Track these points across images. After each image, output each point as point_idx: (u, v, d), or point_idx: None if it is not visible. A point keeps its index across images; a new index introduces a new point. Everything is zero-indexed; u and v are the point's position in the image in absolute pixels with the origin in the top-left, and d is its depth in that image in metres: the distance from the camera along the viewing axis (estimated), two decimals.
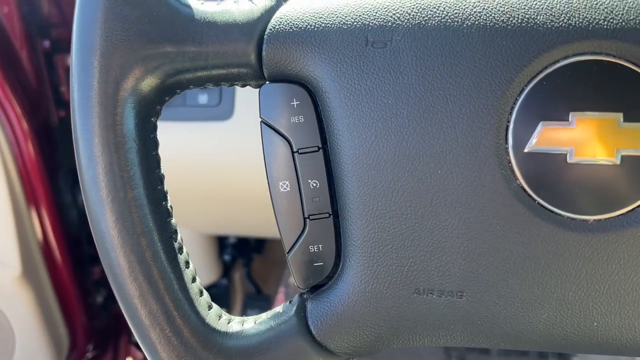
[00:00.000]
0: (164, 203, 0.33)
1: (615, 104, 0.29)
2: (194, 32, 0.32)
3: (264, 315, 0.35)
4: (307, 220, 0.34)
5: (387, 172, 0.31)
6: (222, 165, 0.69)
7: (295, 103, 0.33)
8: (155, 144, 0.33)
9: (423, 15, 0.31)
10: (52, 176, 0.91)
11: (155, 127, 0.33)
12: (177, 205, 0.82)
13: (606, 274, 0.30)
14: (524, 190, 0.30)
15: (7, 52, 0.85)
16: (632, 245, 0.30)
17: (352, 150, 0.32)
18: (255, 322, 0.34)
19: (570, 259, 0.30)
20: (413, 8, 0.31)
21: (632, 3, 0.29)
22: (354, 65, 0.31)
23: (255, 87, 0.35)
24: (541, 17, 0.30)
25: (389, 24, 0.31)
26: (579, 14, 0.30)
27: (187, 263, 0.33)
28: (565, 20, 0.30)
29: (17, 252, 0.86)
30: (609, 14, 0.29)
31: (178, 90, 0.34)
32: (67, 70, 0.93)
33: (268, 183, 0.34)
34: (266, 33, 0.32)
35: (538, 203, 0.30)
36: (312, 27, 0.32)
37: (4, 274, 0.87)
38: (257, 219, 0.76)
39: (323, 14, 0.32)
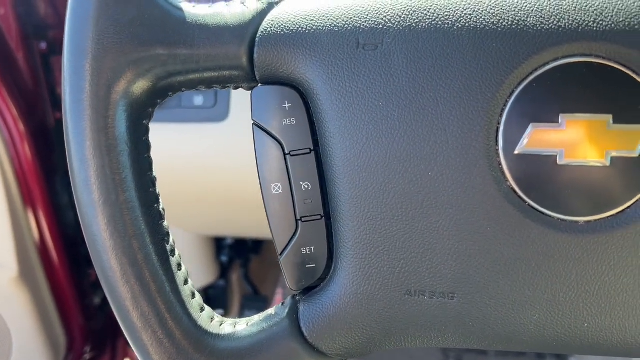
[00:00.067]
0: (156, 205, 0.33)
1: (605, 106, 0.29)
2: (185, 34, 0.32)
3: (256, 317, 0.35)
4: (299, 222, 0.34)
5: (378, 174, 0.31)
6: (217, 166, 0.69)
7: (287, 105, 0.33)
8: (147, 146, 0.33)
9: (414, 17, 0.31)
10: (49, 178, 0.91)
11: (147, 130, 0.33)
12: (173, 207, 0.82)
13: (596, 275, 0.30)
14: (515, 191, 0.30)
15: (3, 54, 0.86)
16: (622, 246, 0.30)
17: (343, 152, 0.32)
18: (247, 324, 0.34)
19: (561, 260, 0.30)
20: (404, 11, 0.31)
21: (621, 5, 0.30)
22: (345, 68, 0.31)
23: (248, 89, 0.35)
24: (531, 19, 0.30)
25: (380, 26, 0.31)
26: (569, 16, 0.30)
27: (179, 265, 0.33)
28: (554, 23, 0.30)
29: (13, 253, 0.86)
30: (599, 16, 0.29)
31: (170, 93, 0.34)
32: None
33: (260, 185, 0.34)
34: (258, 36, 0.32)
35: (528, 204, 0.30)
36: (304, 29, 0.32)
37: (0, 275, 0.87)
38: (253, 220, 0.76)
39: (314, 17, 0.32)
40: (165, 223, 0.34)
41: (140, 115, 0.32)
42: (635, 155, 0.29)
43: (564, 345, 0.32)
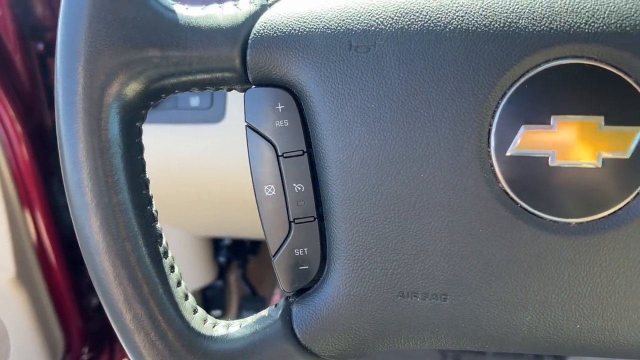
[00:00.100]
0: (148, 207, 0.33)
1: (597, 108, 0.29)
2: (178, 37, 0.32)
3: (249, 319, 0.35)
4: (292, 224, 0.34)
5: (370, 175, 0.31)
6: (213, 167, 0.69)
7: (280, 107, 0.33)
8: (140, 148, 0.33)
9: (406, 19, 0.31)
10: (46, 179, 0.91)
11: (140, 132, 0.33)
12: (171, 208, 0.82)
13: (588, 277, 0.31)
14: (506, 193, 0.30)
15: (0, 55, 0.86)
16: (614, 247, 0.30)
17: (336, 154, 0.32)
18: (240, 326, 0.34)
19: (553, 261, 0.31)
20: (396, 13, 0.31)
21: (613, 7, 0.30)
22: (338, 70, 0.32)
23: (241, 91, 0.35)
24: (523, 21, 0.30)
25: (372, 28, 0.31)
26: (561, 17, 0.30)
27: (172, 267, 0.33)
28: (546, 24, 0.30)
29: (11, 254, 0.86)
30: (590, 18, 0.29)
31: (163, 95, 0.34)
32: None
33: (253, 187, 0.34)
34: (250, 38, 0.32)
35: (520, 206, 0.30)
36: (296, 31, 0.32)
37: None
38: (249, 220, 0.76)
39: (307, 19, 0.32)
40: (159, 225, 0.34)
41: (133, 118, 0.32)
42: (627, 156, 0.29)
43: (557, 347, 0.32)
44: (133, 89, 0.32)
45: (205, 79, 0.33)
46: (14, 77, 0.87)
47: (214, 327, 0.34)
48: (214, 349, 0.33)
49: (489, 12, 0.30)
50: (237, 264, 1.14)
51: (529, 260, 0.31)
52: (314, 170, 0.33)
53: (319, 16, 0.32)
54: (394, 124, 0.31)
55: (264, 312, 0.35)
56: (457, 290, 0.32)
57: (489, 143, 0.30)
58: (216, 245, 1.08)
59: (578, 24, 0.29)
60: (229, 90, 0.35)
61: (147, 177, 0.33)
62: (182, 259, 1.01)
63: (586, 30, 0.29)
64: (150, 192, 0.34)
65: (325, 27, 0.32)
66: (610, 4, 0.30)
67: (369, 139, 0.31)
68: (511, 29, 0.30)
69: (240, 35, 0.32)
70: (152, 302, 0.32)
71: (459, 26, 0.30)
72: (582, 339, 0.32)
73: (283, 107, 0.33)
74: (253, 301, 1.14)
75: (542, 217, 0.30)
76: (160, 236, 0.33)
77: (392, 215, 0.31)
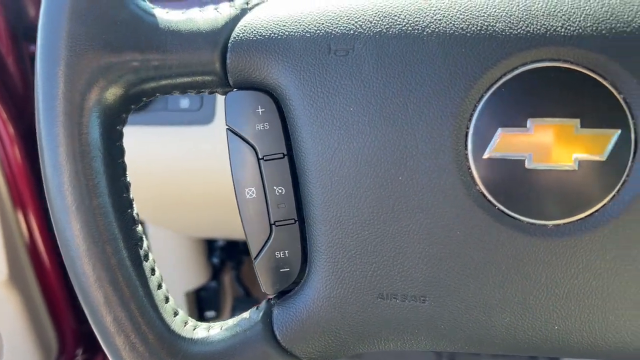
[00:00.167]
0: (129, 210, 0.33)
1: (573, 110, 0.29)
2: (158, 40, 0.32)
3: (230, 322, 0.35)
4: (273, 226, 0.34)
5: (349, 178, 0.32)
6: (204, 168, 0.69)
7: (260, 110, 0.33)
8: (121, 151, 0.33)
9: (384, 23, 0.31)
10: (39, 180, 0.91)
11: (121, 135, 0.33)
12: (162, 209, 0.82)
13: (565, 278, 0.31)
14: (484, 195, 0.31)
15: None
16: (591, 249, 0.30)
17: (315, 157, 0.32)
18: (221, 328, 0.34)
19: (530, 263, 0.31)
20: (374, 16, 0.32)
21: (589, 10, 0.30)
22: (317, 73, 0.32)
23: (222, 94, 0.35)
24: (500, 24, 0.30)
25: (351, 32, 0.32)
26: (537, 21, 0.30)
27: (152, 270, 0.34)
28: (523, 28, 0.30)
29: (3, 255, 0.86)
30: (567, 21, 0.30)
31: (144, 99, 0.34)
32: None
33: (234, 189, 0.34)
34: (230, 41, 0.33)
35: (498, 208, 0.31)
36: (276, 35, 0.32)
37: None
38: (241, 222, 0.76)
39: (287, 23, 0.33)
40: (139, 228, 0.34)
41: (114, 122, 0.33)
42: (603, 159, 0.29)
43: (536, 348, 0.33)
44: (113, 93, 0.32)
45: (185, 82, 0.33)
46: (6, 79, 0.87)
47: (194, 329, 0.34)
48: (194, 351, 0.33)
49: (467, 16, 0.31)
50: (231, 265, 1.14)
51: (506, 262, 0.31)
52: (295, 173, 0.34)
53: (299, 20, 0.33)
54: (372, 127, 0.31)
55: (246, 314, 0.35)
56: (435, 292, 0.32)
57: (466, 146, 0.30)
58: (210, 246, 1.08)
59: (554, 28, 0.30)
60: (211, 93, 0.35)
61: (128, 180, 0.34)
62: (176, 260, 1.01)
63: (562, 34, 0.30)
64: (131, 195, 0.34)
65: (305, 30, 0.32)
66: (587, 8, 0.30)
67: (347, 142, 0.31)
68: (488, 32, 0.30)
69: (220, 38, 0.33)
70: (133, 305, 0.32)
71: (436, 29, 0.31)
72: (560, 340, 0.32)
73: (263, 110, 0.33)
74: (247, 302, 1.14)
75: (519, 219, 0.30)
76: (141, 239, 0.33)
77: (371, 217, 0.32)
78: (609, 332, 0.31)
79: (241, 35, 0.33)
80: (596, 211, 0.30)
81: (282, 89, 0.33)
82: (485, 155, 0.30)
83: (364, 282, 0.32)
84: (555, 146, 0.30)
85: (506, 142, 0.30)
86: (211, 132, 0.67)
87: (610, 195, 0.30)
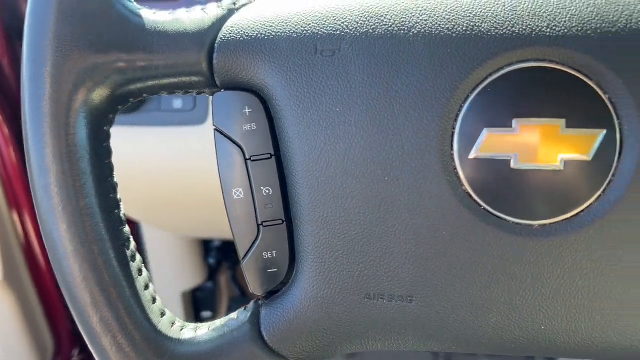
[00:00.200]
0: (116, 211, 0.33)
1: (558, 110, 0.29)
2: (144, 41, 0.32)
3: (218, 322, 0.35)
4: (261, 227, 0.34)
5: (336, 178, 0.32)
6: (197, 169, 0.69)
7: (247, 111, 0.33)
8: (108, 152, 0.33)
9: (370, 24, 0.31)
10: None
11: (108, 136, 0.33)
12: (156, 209, 0.82)
13: (552, 278, 0.31)
14: (470, 196, 0.31)
15: None
16: (576, 249, 0.30)
17: (302, 157, 0.32)
18: (209, 329, 0.34)
19: (516, 263, 0.31)
20: (361, 17, 0.32)
21: (574, 10, 0.30)
22: (303, 74, 0.32)
23: (210, 94, 0.35)
24: (486, 24, 0.30)
25: (337, 33, 0.32)
26: (523, 21, 0.30)
27: (139, 271, 0.34)
28: (509, 28, 0.30)
29: None
30: (552, 22, 0.30)
31: (131, 99, 0.34)
32: None
33: (222, 190, 0.34)
34: (217, 42, 0.33)
35: (484, 208, 0.31)
36: (263, 35, 0.32)
37: None
38: None
39: (273, 23, 0.33)
40: (127, 229, 0.34)
41: (101, 122, 0.33)
42: (589, 159, 0.29)
43: (523, 348, 0.33)
44: (100, 94, 0.32)
45: (172, 83, 0.33)
46: (1, 80, 0.88)
47: (181, 330, 0.34)
48: (180, 352, 0.33)
49: (453, 16, 0.31)
50: (227, 265, 1.14)
51: (492, 262, 0.31)
52: (282, 173, 0.34)
53: (285, 20, 0.33)
54: (359, 128, 0.31)
55: (234, 315, 0.35)
56: (422, 292, 0.32)
57: (452, 146, 0.30)
58: (206, 247, 1.08)
59: (540, 28, 0.30)
60: (199, 94, 0.35)
61: (115, 181, 0.34)
62: (172, 260, 1.01)
63: (548, 34, 0.30)
64: (119, 196, 0.34)
65: (291, 31, 0.32)
66: (572, 8, 0.30)
67: (334, 143, 0.31)
68: (474, 33, 0.30)
69: (207, 39, 0.33)
70: (119, 305, 0.32)
71: (422, 30, 0.31)
72: (547, 340, 0.32)
73: (250, 110, 0.33)
74: (243, 302, 1.13)
75: (505, 220, 0.30)
76: (129, 240, 0.33)
77: (358, 217, 0.32)
78: (595, 332, 0.31)
79: (228, 35, 0.33)
80: (582, 211, 0.30)
81: (269, 89, 0.33)
82: (471, 156, 0.30)
83: (351, 282, 0.32)
84: (540, 146, 0.30)
85: (492, 143, 0.30)
86: (204, 132, 0.67)
87: (596, 196, 0.30)
